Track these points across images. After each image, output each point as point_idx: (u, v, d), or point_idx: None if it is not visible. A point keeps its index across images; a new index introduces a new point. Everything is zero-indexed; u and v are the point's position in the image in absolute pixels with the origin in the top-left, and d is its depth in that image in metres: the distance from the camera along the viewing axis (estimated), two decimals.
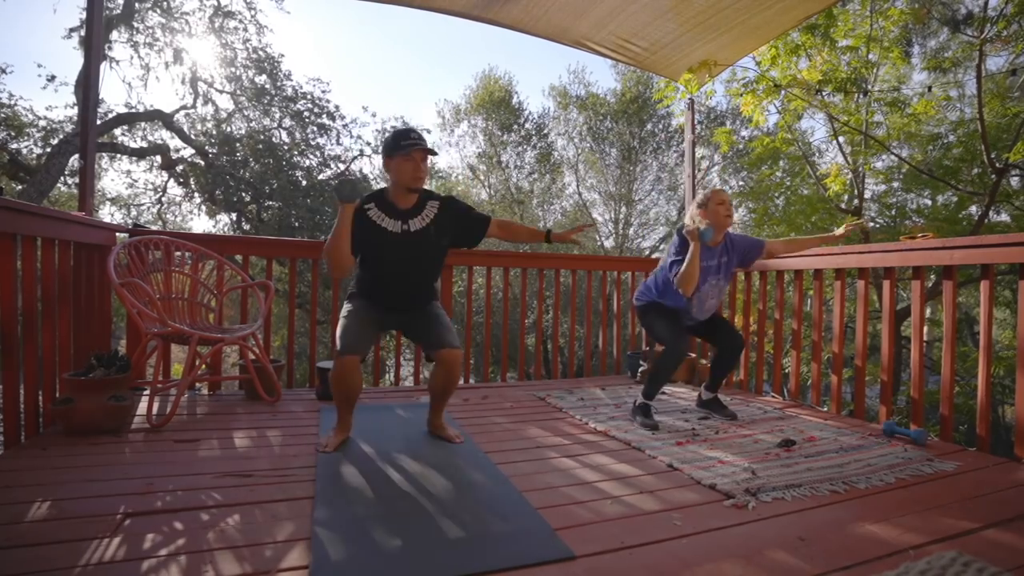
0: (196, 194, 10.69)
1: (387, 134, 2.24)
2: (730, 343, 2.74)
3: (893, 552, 1.37)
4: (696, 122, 4.37)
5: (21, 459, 1.85)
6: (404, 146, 2.08)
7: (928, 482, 1.87)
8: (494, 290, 7.92)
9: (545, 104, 25.67)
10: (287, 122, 10.61)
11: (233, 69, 10.25)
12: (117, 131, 9.78)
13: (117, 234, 2.83)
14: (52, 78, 9.00)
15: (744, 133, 12.44)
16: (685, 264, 2.45)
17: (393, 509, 1.56)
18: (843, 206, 7.62)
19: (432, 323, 2.24)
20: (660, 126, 14.51)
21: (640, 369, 3.68)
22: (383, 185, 2.31)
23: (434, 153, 2.13)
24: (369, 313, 2.22)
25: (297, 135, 10.64)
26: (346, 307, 2.24)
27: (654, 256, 11.50)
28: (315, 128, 10.64)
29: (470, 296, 3.81)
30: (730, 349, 2.74)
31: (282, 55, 10.42)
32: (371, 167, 11.39)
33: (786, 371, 3.69)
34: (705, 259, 2.58)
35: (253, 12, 9.96)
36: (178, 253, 2.89)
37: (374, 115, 26.05)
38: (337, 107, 10.78)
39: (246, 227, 10.49)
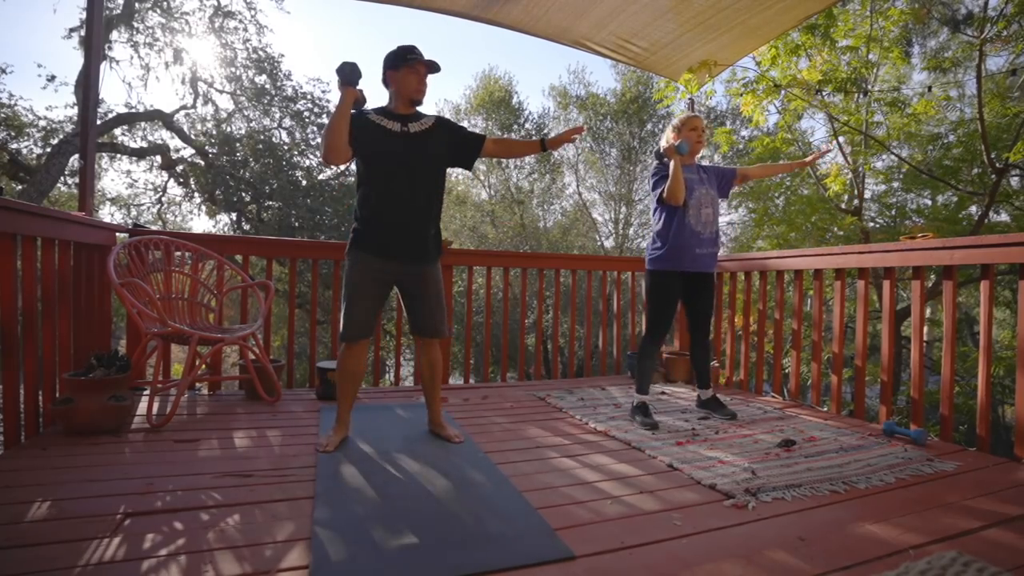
0: (196, 194, 10.70)
1: (388, 53, 2.23)
2: (699, 336, 2.83)
3: (893, 552, 1.37)
4: None
5: (21, 459, 1.85)
6: (410, 59, 2.12)
7: (928, 482, 1.87)
8: (494, 290, 7.92)
9: (545, 104, 25.70)
10: (287, 122, 10.61)
11: (233, 69, 10.26)
12: (117, 131, 9.79)
13: (117, 234, 2.83)
14: (52, 78, 9.01)
15: (744, 133, 12.45)
16: (670, 177, 2.57)
17: (393, 509, 1.56)
18: (843, 206, 7.62)
19: (428, 300, 2.20)
20: (660, 126, 14.51)
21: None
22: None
23: (438, 69, 2.17)
24: (372, 277, 2.12)
25: (297, 135, 10.64)
26: (347, 267, 2.14)
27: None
28: (315, 128, 10.64)
29: (470, 296, 3.81)
30: (698, 343, 2.84)
31: (282, 55, 10.45)
32: None
33: (786, 371, 3.70)
34: (685, 173, 2.66)
35: (253, 12, 9.98)
36: (178, 253, 2.89)
37: None
38: None
39: (246, 227, 10.50)
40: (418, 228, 2.15)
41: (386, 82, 2.21)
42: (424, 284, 2.20)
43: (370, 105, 2.20)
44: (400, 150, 2.12)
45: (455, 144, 2.28)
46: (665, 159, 2.65)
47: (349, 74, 2.00)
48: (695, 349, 2.88)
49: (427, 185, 2.17)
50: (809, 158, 2.95)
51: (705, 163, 2.86)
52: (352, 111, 2.09)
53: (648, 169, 14.89)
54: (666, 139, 2.78)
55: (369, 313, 2.14)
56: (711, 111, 13.65)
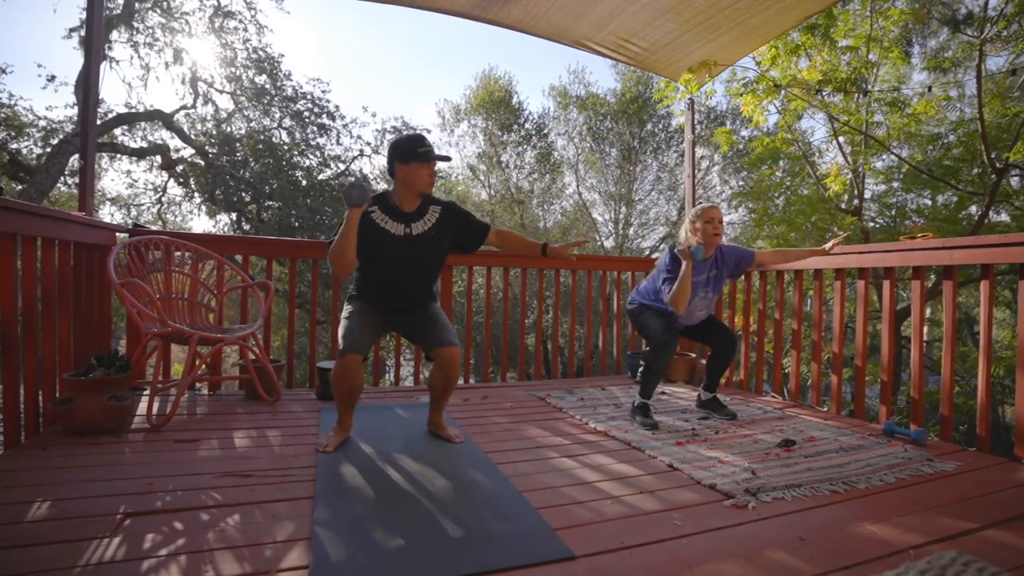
0: (196, 194, 10.70)
1: (397, 138, 2.22)
2: (723, 342, 2.77)
3: (893, 552, 1.37)
4: (696, 122, 4.37)
5: (21, 459, 1.85)
6: (422, 153, 2.12)
7: (928, 482, 1.87)
8: (494, 290, 7.92)
9: (545, 104, 25.70)
10: (287, 122, 10.61)
11: (233, 69, 10.26)
12: (117, 131, 9.78)
13: (117, 234, 2.82)
14: (52, 78, 9.01)
15: (744, 133, 12.45)
16: (677, 283, 2.48)
17: (393, 509, 1.56)
18: (843, 206, 7.62)
19: (430, 323, 2.25)
20: (660, 126, 14.52)
21: (640, 369, 3.67)
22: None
23: (448, 159, 2.20)
24: (370, 314, 2.23)
25: (297, 135, 10.64)
26: (347, 308, 2.25)
27: (654, 256, 11.50)
28: (315, 128, 10.64)
29: (470, 296, 3.81)
30: (724, 348, 2.78)
31: (282, 55, 10.44)
32: (371, 167, 11.40)
33: (786, 371, 3.70)
34: (695, 274, 2.60)
35: (253, 12, 9.97)
36: (178, 253, 2.89)
37: (374, 115, 26.02)
38: (337, 107, 10.80)
39: (246, 227, 10.49)
40: (416, 295, 2.29)
41: (392, 172, 2.21)
42: (423, 314, 2.29)
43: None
44: (401, 253, 2.18)
45: (459, 234, 2.33)
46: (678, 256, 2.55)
47: (358, 197, 1.96)
48: (717, 356, 2.79)
49: (427, 273, 2.29)
50: (830, 245, 2.71)
51: (722, 244, 2.79)
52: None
53: (648, 168, 14.92)
54: (684, 231, 2.75)
55: (367, 328, 2.16)
56: (711, 111, 13.65)
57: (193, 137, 10.30)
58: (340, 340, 2.11)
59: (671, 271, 2.58)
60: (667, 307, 2.66)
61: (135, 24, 9.37)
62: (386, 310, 2.27)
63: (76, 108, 8.77)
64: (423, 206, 2.25)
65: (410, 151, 2.13)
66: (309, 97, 10.54)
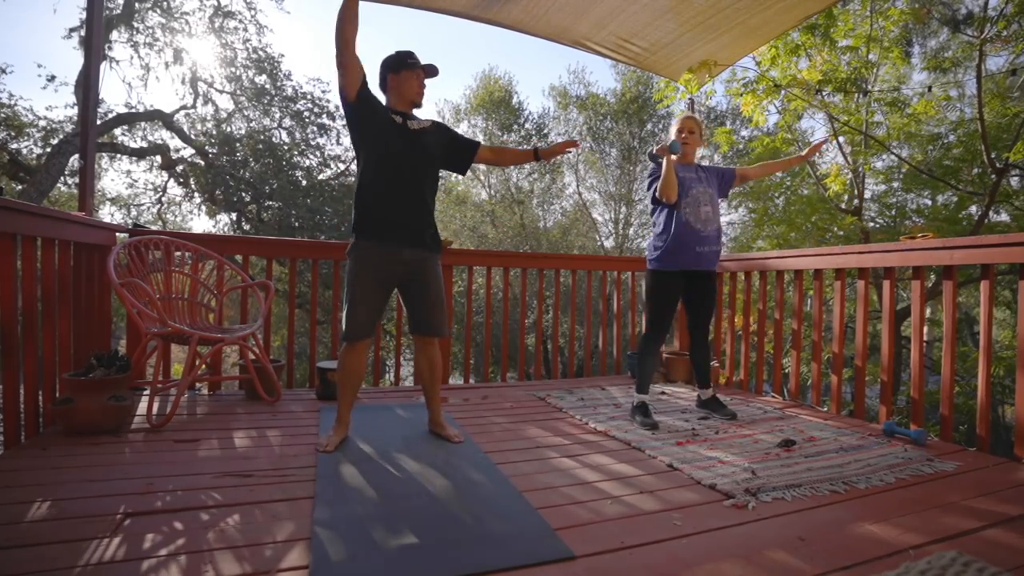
0: (196, 194, 10.70)
1: (387, 55, 2.25)
2: (697, 335, 2.84)
3: (893, 552, 1.37)
4: None
5: (21, 459, 1.85)
6: (410, 63, 2.20)
7: (928, 482, 1.87)
8: (494, 290, 7.92)
9: (545, 104, 25.70)
10: (287, 122, 10.61)
11: (233, 69, 10.26)
12: (117, 131, 9.79)
13: (117, 234, 2.82)
14: (52, 78, 9.01)
15: (744, 133, 12.46)
16: (662, 175, 2.62)
17: (393, 509, 1.56)
18: (843, 206, 7.62)
19: (426, 299, 2.21)
20: (660, 126, 14.52)
21: None
22: None
23: (436, 72, 2.24)
24: (374, 271, 2.12)
25: (297, 135, 10.65)
26: (350, 269, 2.14)
27: None
28: (315, 128, 10.65)
29: (470, 296, 3.81)
30: (697, 341, 2.84)
31: (282, 55, 10.45)
32: None
33: (786, 371, 3.70)
34: (682, 171, 2.71)
35: (253, 12, 9.98)
36: (178, 253, 2.89)
37: None
38: (337, 107, 10.78)
39: (246, 227, 10.50)
40: (416, 219, 2.18)
41: (384, 85, 2.25)
42: (424, 280, 2.21)
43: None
44: (401, 142, 2.15)
45: (450, 147, 2.35)
46: (659, 159, 2.69)
47: None
48: (695, 349, 2.88)
49: (424, 180, 2.21)
50: (806, 152, 2.97)
51: (705, 163, 2.87)
52: (367, 92, 2.16)
53: (647, 169, 14.88)
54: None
55: (371, 313, 2.14)
56: (711, 111, 13.65)
57: (193, 137, 10.30)
58: (344, 325, 2.09)
59: (656, 174, 2.72)
60: (673, 259, 2.67)
61: (135, 24, 9.38)
62: (393, 244, 2.13)
63: (76, 108, 8.77)
64: (415, 115, 2.29)
65: (400, 61, 2.20)
66: (309, 97, 10.55)
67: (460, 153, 2.38)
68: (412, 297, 2.24)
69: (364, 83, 2.11)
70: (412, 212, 2.17)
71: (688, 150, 2.78)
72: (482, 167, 15.37)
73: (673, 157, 2.65)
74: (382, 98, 2.26)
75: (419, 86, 2.23)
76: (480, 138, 15.34)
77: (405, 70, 2.20)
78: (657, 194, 2.67)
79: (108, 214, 10.88)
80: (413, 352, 2.27)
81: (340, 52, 2.04)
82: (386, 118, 2.16)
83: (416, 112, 2.29)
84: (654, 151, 2.69)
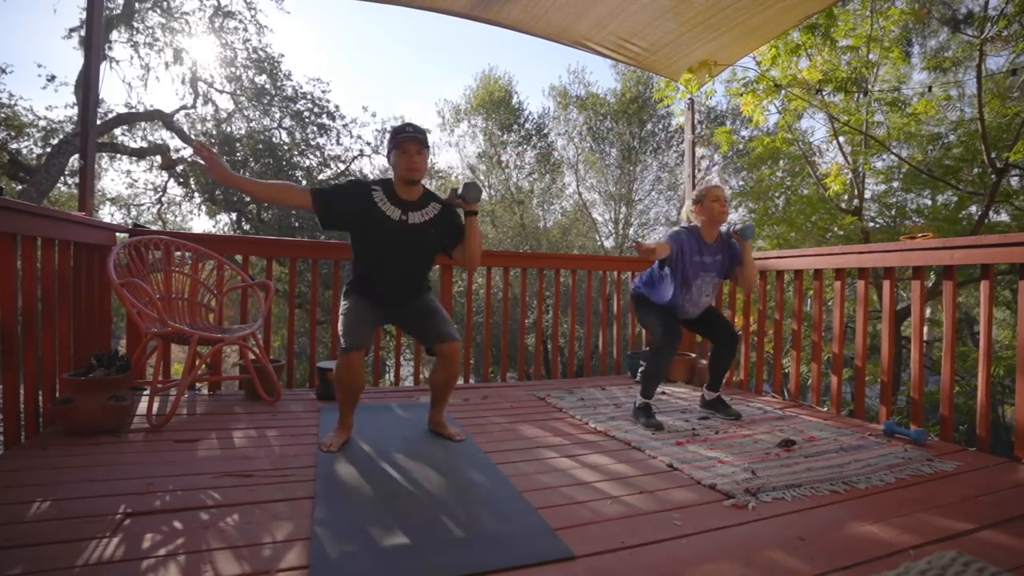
0: (196, 194, 10.69)
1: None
2: (725, 338, 2.76)
3: (893, 552, 1.37)
4: (696, 122, 4.37)
5: (21, 459, 1.85)
6: (397, 140, 2.15)
7: (928, 482, 1.87)
8: (494, 290, 7.92)
9: (545, 104, 25.68)
10: (287, 122, 10.60)
11: (233, 69, 10.26)
12: (117, 131, 9.78)
13: (117, 234, 2.82)
14: (52, 78, 9.01)
15: (744, 133, 12.45)
16: (746, 263, 2.62)
17: (393, 509, 1.56)
18: (843, 206, 7.62)
19: (430, 316, 2.25)
20: (660, 126, 14.52)
21: (640, 369, 3.67)
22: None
23: (424, 143, 2.16)
24: (367, 308, 2.22)
25: (297, 135, 10.64)
26: (344, 304, 2.24)
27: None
28: (315, 128, 10.64)
29: (470, 296, 3.81)
30: (726, 344, 2.76)
31: (282, 55, 10.43)
32: (371, 167, 11.40)
33: (786, 371, 3.70)
34: (701, 256, 2.61)
35: (253, 12, 9.96)
36: (178, 253, 2.89)
37: (374, 115, 26.07)
38: (337, 107, 10.80)
39: (246, 227, 10.49)
40: (410, 285, 2.29)
41: (389, 160, 2.25)
42: (421, 306, 2.29)
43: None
44: (395, 237, 2.18)
45: (449, 235, 2.32)
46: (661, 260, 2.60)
47: (474, 196, 2.21)
48: (719, 354, 2.77)
49: (419, 263, 2.30)
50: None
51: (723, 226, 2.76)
52: (360, 182, 2.24)
53: (648, 168, 14.90)
54: (686, 210, 2.76)
55: (366, 323, 2.17)
56: (711, 111, 13.65)
57: (193, 137, 10.29)
58: (341, 338, 2.11)
59: (659, 274, 2.67)
60: (666, 302, 2.67)
61: (135, 24, 9.37)
62: (383, 304, 2.27)
63: (76, 108, 8.77)
64: (423, 200, 2.25)
65: (391, 139, 2.17)
66: (309, 97, 10.54)
67: (451, 238, 2.32)
68: (414, 327, 2.30)
69: (316, 203, 2.15)
70: (404, 290, 2.27)
71: (718, 221, 2.61)
72: (482, 167, 15.39)
73: (746, 237, 2.64)
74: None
75: (408, 163, 2.14)
76: (480, 138, 15.35)
77: (394, 149, 2.15)
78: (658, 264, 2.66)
79: (108, 214, 10.89)
80: (434, 362, 2.26)
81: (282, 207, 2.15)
82: (374, 213, 2.15)
83: (422, 188, 2.26)
84: (732, 231, 2.67)
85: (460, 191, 2.18)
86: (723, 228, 2.72)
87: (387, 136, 2.25)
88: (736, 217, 12.01)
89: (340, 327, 2.16)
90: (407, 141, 2.12)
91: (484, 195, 15.16)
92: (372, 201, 2.17)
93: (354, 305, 2.21)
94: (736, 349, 2.80)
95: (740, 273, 2.73)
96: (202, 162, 2.17)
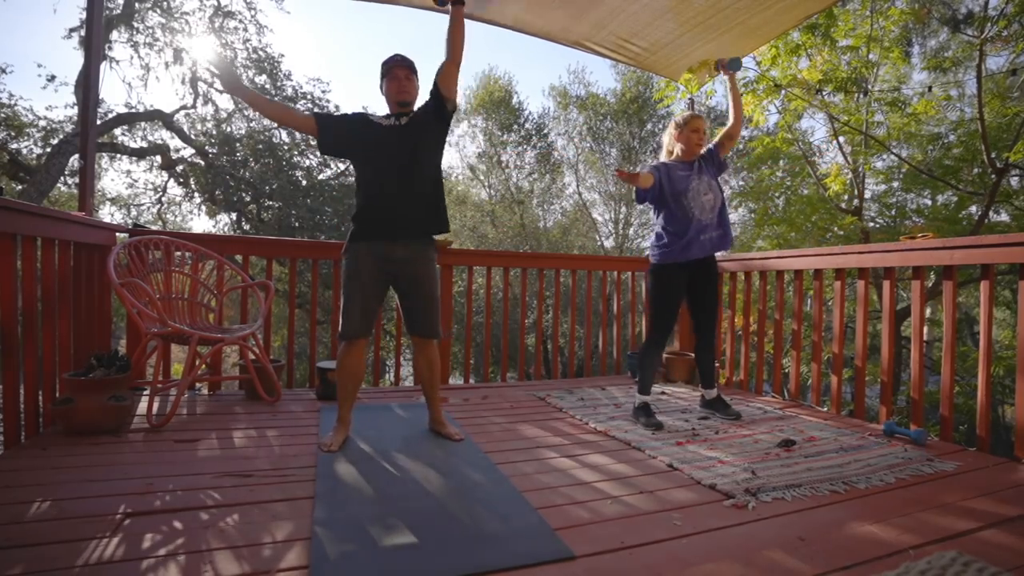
0: (196, 194, 10.70)
1: None
2: (705, 326, 2.78)
3: (893, 552, 1.37)
4: None
5: (21, 459, 1.85)
6: (386, 67, 2.23)
7: (928, 482, 1.87)
8: (494, 290, 7.92)
9: (545, 104, 25.69)
10: None
11: (233, 69, 10.25)
12: (117, 131, 9.78)
13: (117, 234, 2.82)
14: (52, 78, 9.00)
15: (744, 133, 12.44)
16: (732, 99, 2.74)
17: (393, 509, 1.56)
18: (843, 206, 7.62)
19: (421, 301, 2.22)
20: (660, 126, 14.50)
21: None
22: None
23: (412, 68, 2.23)
24: (367, 267, 2.14)
25: (297, 135, 10.64)
26: (345, 265, 2.17)
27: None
28: None
29: (470, 296, 3.81)
30: (704, 334, 2.79)
31: (282, 55, 10.44)
32: None
33: (786, 371, 3.70)
34: (680, 170, 2.68)
35: (253, 12, 9.97)
36: (178, 253, 2.89)
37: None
38: (337, 107, 10.81)
39: (246, 227, 10.49)
40: (405, 211, 2.17)
41: (382, 91, 2.31)
42: (416, 279, 2.21)
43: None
44: (382, 142, 2.18)
45: (434, 111, 2.25)
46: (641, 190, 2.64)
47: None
48: (701, 349, 2.83)
49: (412, 170, 2.19)
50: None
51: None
52: (356, 112, 2.24)
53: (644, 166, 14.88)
54: (668, 136, 2.83)
55: (366, 310, 2.15)
56: (711, 111, 13.64)
57: (193, 137, 10.30)
58: (342, 324, 2.12)
59: (640, 195, 2.69)
60: (678, 252, 2.65)
61: (135, 24, 9.37)
62: (388, 240, 2.15)
63: (76, 108, 8.77)
64: (412, 111, 2.29)
65: (381, 70, 2.25)
66: (309, 97, 10.54)
67: (436, 105, 2.25)
68: (405, 296, 2.25)
69: (318, 123, 2.19)
70: (400, 206, 2.16)
71: (694, 151, 2.73)
72: (482, 166, 15.38)
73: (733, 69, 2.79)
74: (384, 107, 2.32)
75: (396, 86, 2.22)
76: (480, 138, 15.36)
77: (384, 79, 2.25)
78: (640, 192, 2.66)
79: (108, 214, 10.89)
80: (412, 352, 2.27)
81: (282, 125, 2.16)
82: (370, 126, 2.20)
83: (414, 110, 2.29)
84: (719, 64, 2.81)
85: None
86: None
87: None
88: (736, 218, 12.01)
89: (341, 311, 2.15)
90: (396, 67, 2.22)
91: (484, 195, 15.22)
92: (367, 118, 2.24)
93: (353, 274, 2.14)
94: (715, 341, 2.86)
95: (729, 113, 2.84)
96: (216, 70, 2.24)
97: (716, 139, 2.84)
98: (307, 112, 2.22)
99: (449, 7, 2.24)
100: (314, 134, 2.20)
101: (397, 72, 2.22)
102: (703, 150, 2.78)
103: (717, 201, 2.70)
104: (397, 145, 2.18)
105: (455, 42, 2.20)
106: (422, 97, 2.30)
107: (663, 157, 2.86)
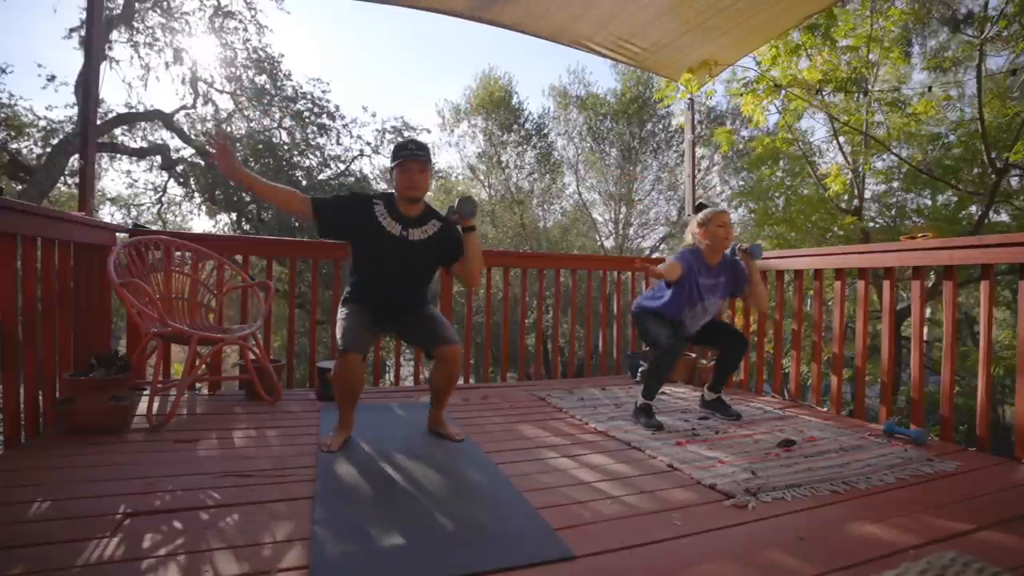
0: (196, 194, 10.69)
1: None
2: (735, 342, 2.77)
3: (893, 552, 1.37)
4: (696, 122, 4.37)
5: (21, 459, 1.85)
6: (398, 158, 2.16)
7: (928, 482, 1.87)
8: (494, 290, 7.90)
9: (545, 104, 25.63)
10: (287, 122, 10.59)
11: (233, 69, 10.25)
12: (117, 131, 9.78)
13: (117, 234, 2.83)
14: (52, 78, 9.00)
15: (744, 133, 12.45)
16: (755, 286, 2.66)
17: (393, 509, 1.56)
18: (843, 206, 7.62)
19: (429, 322, 2.25)
20: (660, 126, 14.52)
21: (640, 369, 3.68)
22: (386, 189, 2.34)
23: (426, 161, 2.18)
24: (367, 315, 2.23)
25: (297, 135, 10.64)
26: (342, 311, 2.24)
27: (654, 256, 11.47)
28: (315, 128, 10.63)
29: (470, 296, 3.81)
30: (736, 348, 2.77)
31: (282, 55, 10.42)
32: (371, 167, 11.40)
33: (786, 371, 3.70)
34: (706, 278, 2.63)
35: (253, 12, 9.96)
36: (178, 253, 2.89)
37: (374, 115, 25.92)
38: (337, 107, 10.77)
39: (246, 227, 10.49)
40: (409, 299, 2.29)
41: (390, 176, 2.25)
42: (419, 315, 2.29)
43: None
44: (394, 253, 2.19)
45: (450, 250, 2.31)
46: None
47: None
48: (727, 358, 2.78)
49: (418, 279, 2.30)
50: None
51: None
52: (361, 195, 2.24)
53: (648, 168, 14.89)
54: (690, 233, 2.76)
55: (365, 327, 2.17)
56: (711, 111, 13.64)
57: (193, 137, 10.29)
58: (339, 340, 2.12)
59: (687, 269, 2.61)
60: (668, 312, 2.67)
61: (135, 24, 9.36)
62: (382, 314, 2.27)
63: (76, 108, 8.76)
64: (424, 216, 2.26)
65: (393, 157, 2.19)
66: (309, 97, 10.54)
67: (451, 254, 2.31)
68: (414, 335, 2.30)
69: (316, 210, 2.16)
70: (403, 302, 2.27)
71: (722, 247, 2.64)
72: (482, 167, 15.38)
73: (755, 257, 2.70)
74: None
75: (408, 182, 2.15)
76: (480, 138, 15.34)
77: (395, 168, 2.17)
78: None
79: (108, 214, 10.89)
80: (432, 364, 2.26)
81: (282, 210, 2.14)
82: (374, 227, 2.16)
83: (423, 206, 2.26)
84: (739, 248, 2.74)
85: (455, 206, 2.20)
86: (727, 252, 2.74)
87: (390, 150, 2.28)
88: (736, 218, 12.00)
89: (338, 331, 2.16)
90: (409, 160, 2.14)
91: (484, 195, 15.21)
92: (372, 215, 2.18)
93: (353, 311, 2.21)
94: (745, 352, 2.83)
95: (749, 293, 2.76)
96: (213, 150, 2.14)
97: (745, 289, 2.76)
98: (306, 197, 2.23)
99: (460, 230, 2.26)
100: (314, 222, 2.17)
101: (410, 165, 2.14)
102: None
103: (709, 320, 2.75)
104: (398, 261, 2.19)
105: (472, 268, 2.28)
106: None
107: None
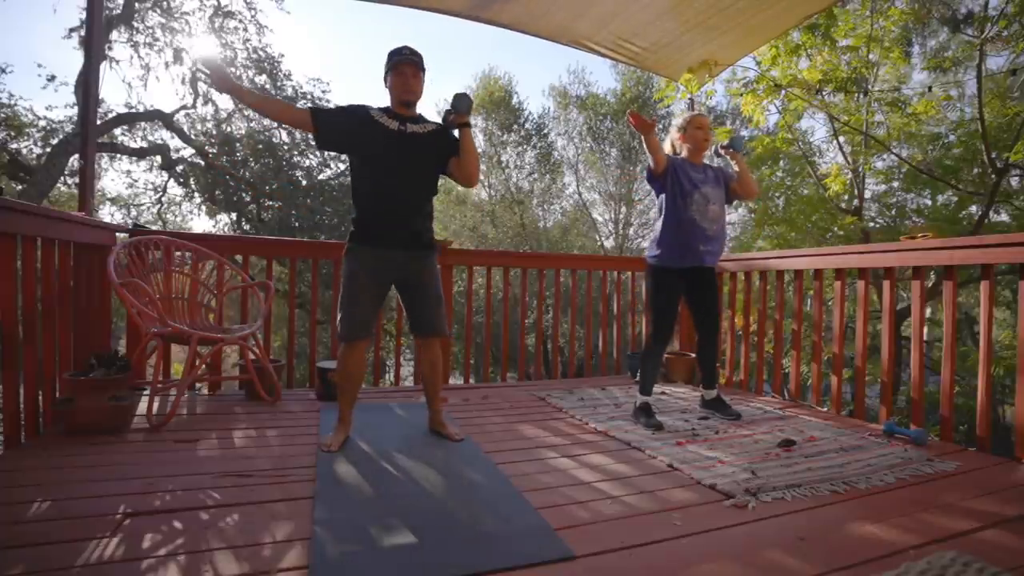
0: (196, 194, 10.69)
1: None
2: (706, 326, 2.78)
3: (893, 552, 1.37)
4: None
5: (21, 459, 1.85)
6: (392, 61, 2.15)
7: (928, 482, 1.87)
8: (494, 290, 7.91)
9: (545, 104, 25.64)
10: None
11: (233, 69, 10.24)
12: (117, 131, 9.77)
13: (117, 234, 2.82)
14: (52, 78, 9.00)
15: (744, 133, 12.44)
16: (646, 147, 2.51)
17: (393, 509, 1.56)
18: (843, 206, 7.62)
19: (427, 300, 2.22)
20: (660, 126, 14.50)
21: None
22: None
23: (420, 65, 2.16)
24: (368, 270, 2.14)
25: (297, 135, 10.63)
26: (345, 269, 2.17)
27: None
28: None
29: (470, 296, 3.81)
30: (705, 333, 2.78)
31: (282, 55, 10.42)
32: None
33: (786, 371, 3.70)
34: (691, 171, 2.64)
35: (253, 12, 9.96)
36: (178, 253, 2.89)
37: None
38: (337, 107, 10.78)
39: (246, 227, 10.49)
40: (410, 224, 2.18)
41: (385, 83, 2.24)
42: (421, 281, 2.22)
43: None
44: (389, 149, 2.14)
45: (447, 148, 2.26)
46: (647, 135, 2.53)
47: (467, 106, 2.15)
48: (702, 347, 2.82)
49: (418, 184, 2.21)
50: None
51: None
52: (356, 105, 2.18)
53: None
54: (670, 139, 2.81)
55: (367, 312, 2.15)
56: (711, 111, 13.64)
57: (193, 137, 10.29)
58: (339, 324, 2.10)
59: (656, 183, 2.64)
60: (663, 248, 2.65)
61: (135, 24, 9.36)
62: (386, 247, 2.16)
63: (76, 108, 8.76)
64: (420, 118, 2.24)
65: (387, 61, 2.17)
66: (309, 97, 10.52)
67: (449, 153, 2.26)
68: (410, 298, 2.24)
69: (316, 120, 2.11)
70: (405, 218, 2.17)
71: (702, 148, 2.70)
72: (482, 167, 15.35)
73: (738, 148, 2.67)
74: (385, 99, 2.25)
75: (403, 85, 2.15)
76: (480, 138, 15.33)
77: (390, 71, 2.17)
78: (651, 165, 2.58)
79: (108, 214, 10.89)
80: (414, 352, 2.26)
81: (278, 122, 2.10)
82: (372, 126, 2.14)
83: (418, 111, 2.25)
84: (719, 146, 2.70)
85: (451, 102, 2.17)
86: (708, 153, 2.75)
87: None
88: (736, 217, 12.00)
89: (339, 312, 2.13)
90: (403, 63, 2.14)
91: (484, 195, 15.22)
92: (370, 116, 2.16)
93: (353, 274, 2.14)
94: (717, 340, 2.83)
95: (738, 184, 2.75)
96: (206, 70, 2.13)
97: (733, 183, 2.77)
98: (303, 108, 2.21)
99: (456, 131, 2.22)
100: (312, 131, 2.14)
101: (404, 69, 2.14)
102: (714, 162, 2.78)
103: (721, 214, 2.69)
104: (398, 155, 2.15)
105: (469, 166, 2.21)
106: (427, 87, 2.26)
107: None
